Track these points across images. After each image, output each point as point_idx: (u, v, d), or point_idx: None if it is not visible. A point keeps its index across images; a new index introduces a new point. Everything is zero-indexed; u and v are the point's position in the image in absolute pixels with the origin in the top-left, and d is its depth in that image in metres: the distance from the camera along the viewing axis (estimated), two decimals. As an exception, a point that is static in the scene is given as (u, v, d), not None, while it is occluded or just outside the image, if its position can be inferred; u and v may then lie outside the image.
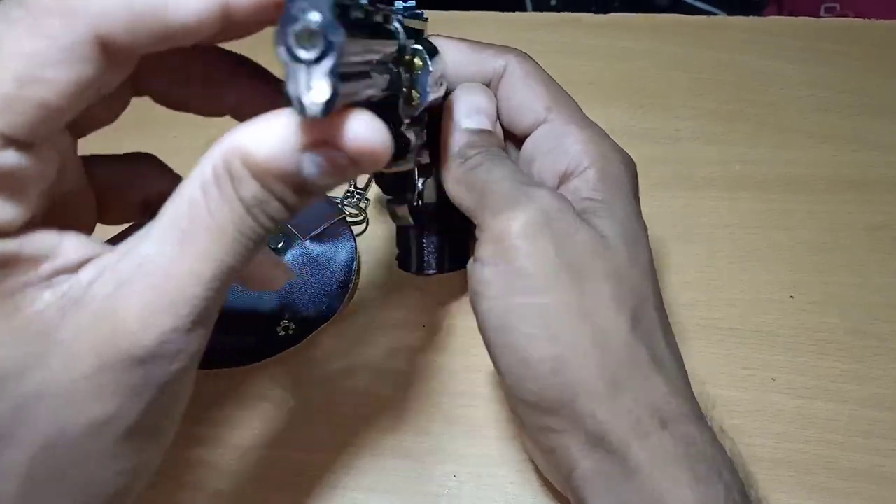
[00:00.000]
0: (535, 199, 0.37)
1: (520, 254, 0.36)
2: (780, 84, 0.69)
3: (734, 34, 0.73)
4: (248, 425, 0.50)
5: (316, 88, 0.24)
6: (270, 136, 0.26)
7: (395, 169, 0.39)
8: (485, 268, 0.38)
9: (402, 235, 0.50)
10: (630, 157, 0.42)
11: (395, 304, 0.56)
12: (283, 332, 0.53)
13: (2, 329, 0.27)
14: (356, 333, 0.54)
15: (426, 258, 0.49)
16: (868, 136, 0.65)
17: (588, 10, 0.75)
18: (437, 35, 0.42)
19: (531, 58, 0.44)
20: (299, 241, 0.56)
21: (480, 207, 0.39)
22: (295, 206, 0.27)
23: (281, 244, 0.55)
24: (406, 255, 0.49)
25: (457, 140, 0.41)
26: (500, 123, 0.44)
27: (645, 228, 0.41)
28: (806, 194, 0.62)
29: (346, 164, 0.26)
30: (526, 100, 0.43)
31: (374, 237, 0.59)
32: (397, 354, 0.53)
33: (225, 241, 0.27)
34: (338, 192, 0.59)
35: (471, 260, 0.40)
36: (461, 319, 0.54)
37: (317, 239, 0.56)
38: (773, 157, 0.64)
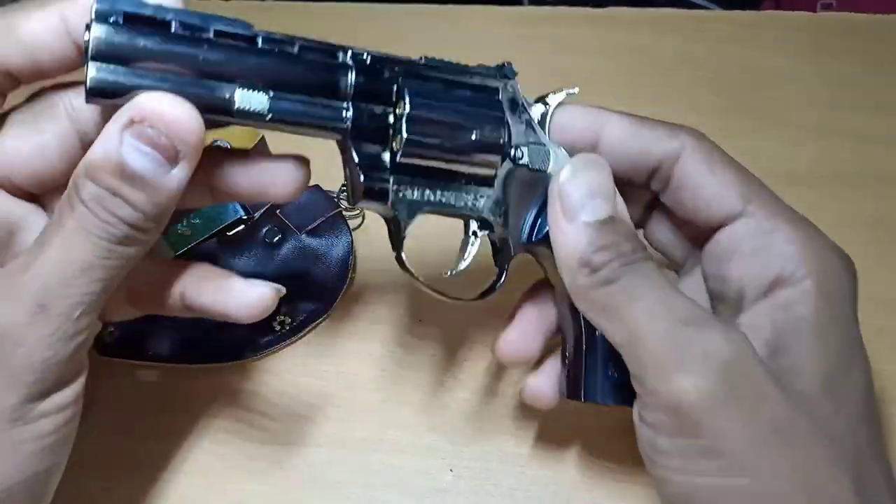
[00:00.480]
0: (710, 355, 0.30)
1: (704, 430, 0.30)
2: (778, 79, 0.68)
3: (733, 29, 0.72)
4: (242, 419, 0.50)
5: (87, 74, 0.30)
6: (98, 139, 0.30)
7: (367, 208, 0.37)
8: (658, 437, 0.32)
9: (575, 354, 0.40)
10: (851, 261, 0.36)
11: (392, 298, 0.55)
12: (279, 328, 0.53)
13: None
14: (353, 327, 0.54)
15: (583, 379, 0.39)
16: (867, 131, 0.64)
17: (585, 5, 0.75)
18: (603, 108, 0.40)
19: (708, 138, 0.39)
20: (295, 235, 0.56)
21: (634, 356, 0.32)
22: (140, 203, 0.30)
23: (277, 238, 0.55)
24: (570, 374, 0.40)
25: (574, 238, 0.34)
26: (677, 214, 0.39)
27: (862, 350, 0.34)
28: (805, 189, 0.61)
29: (160, 140, 0.30)
30: (715, 188, 0.37)
31: (371, 231, 0.59)
32: (394, 348, 0.53)
33: (75, 240, 0.30)
34: (334, 186, 0.59)
35: (636, 412, 0.34)
36: (458, 313, 0.54)
37: (313, 233, 0.56)
38: (771, 152, 0.64)
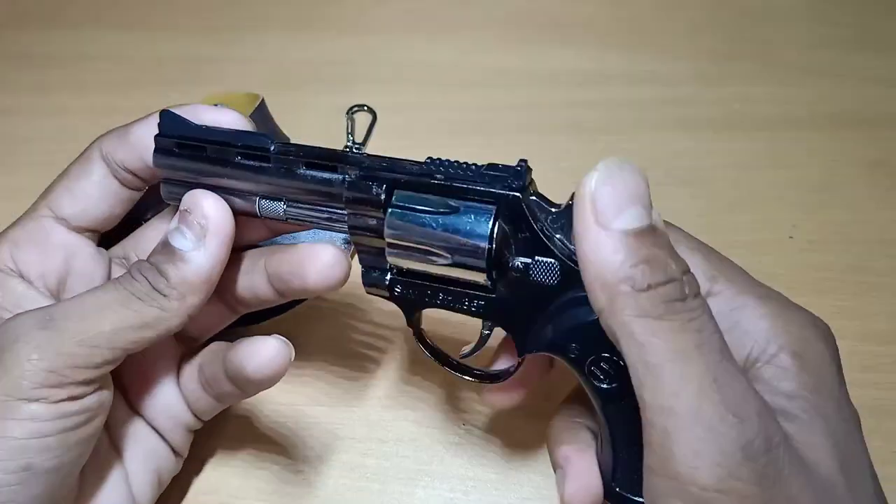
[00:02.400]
0: (751, 457, 0.28)
1: None
2: (777, 21, 0.68)
3: (731, -30, 0.71)
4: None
5: None
6: None
7: (372, 292, 0.39)
8: None
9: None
10: (827, 327, 0.33)
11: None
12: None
13: None
14: (358, 294, 0.55)
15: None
16: (867, 72, 0.64)
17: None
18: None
19: (671, 223, 0.36)
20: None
21: (661, 427, 0.29)
22: (167, 271, 0.36)
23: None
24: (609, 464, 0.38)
25: (610, 248, 0.29)
26: None
27: (857, 418, 0.32)
28: (805, 132, 0.61)
29: (195, 224, 0.36)
30: None
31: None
32: (398, 316, 0.53)
33: (107, 285, 0.36)
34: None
35: (648, 485, 0.30)
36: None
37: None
38: (772, 95, 0.63)
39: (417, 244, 0.36)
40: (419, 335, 0.41)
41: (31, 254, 0.39)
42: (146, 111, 0.63)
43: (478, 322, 0.40)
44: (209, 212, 0.37)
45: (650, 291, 0.29)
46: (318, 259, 0.39)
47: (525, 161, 0.37)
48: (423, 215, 0.37)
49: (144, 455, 0.41)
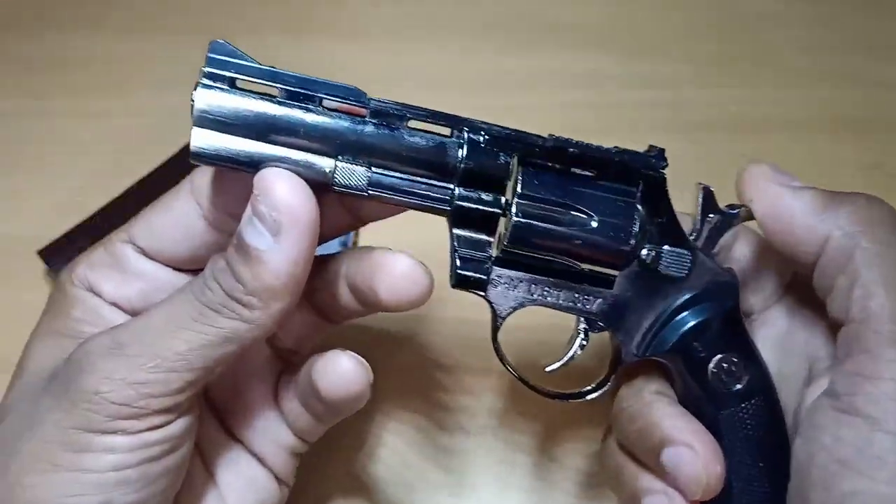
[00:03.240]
0: None
1: None
2: (775, 24, 0.68)
3: (729, -27, 0.71)
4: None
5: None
6: None
7: (463, 287, 0.33)
8: None
9: None
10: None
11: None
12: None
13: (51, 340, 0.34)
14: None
15: None
16: (865, 75, 0.64)
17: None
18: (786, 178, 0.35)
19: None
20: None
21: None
22: (241, 273, 0.30)
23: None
24: None
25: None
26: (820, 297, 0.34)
27: None
28: (802, 135, 0.61)
29: (269, 215, 0.29)
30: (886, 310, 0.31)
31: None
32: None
33: (177, 297, 0.31)
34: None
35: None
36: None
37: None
38: (769, 98, 0.63)
39: (551, 224, 0.32)
40: (496, 348, 0.36)
41: (106, 277, 0.35)
42: (141, 114, 0.64)
43: (560, 328, 0.36)
44: (284, 199, 0.30)
45: None
46: (392, 270, 0.33)
47: (661, 148, 0.34)
48: (560, 190, 0.32)
49: (244, 484, 0.37)
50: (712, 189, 0.35)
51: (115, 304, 0.35)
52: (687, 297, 0.34)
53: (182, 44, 0.66)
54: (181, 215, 0.35)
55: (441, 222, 0.34)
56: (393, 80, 0.65)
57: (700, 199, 0.35)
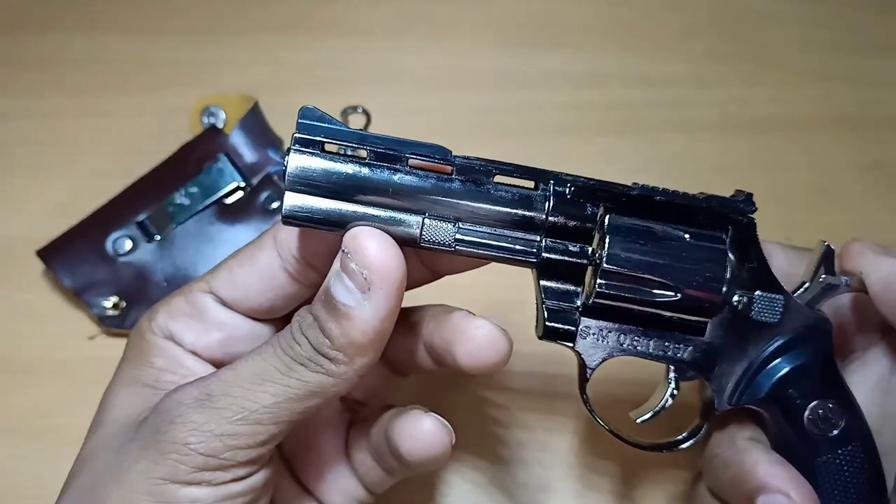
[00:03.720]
0: None
1: None
2: (774, 23, 0.68)
3: (728, -29, 0.71)
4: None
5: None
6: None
7: (550, 338, 0.33)
8: None
9: None
10: None
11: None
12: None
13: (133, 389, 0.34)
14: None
15: None
16: (863, 74, 0.64)
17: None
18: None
19: None
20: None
21: None
22: (330, 330, 0.30)
23: (276, 204, 0.55)
24: None
25: None
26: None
27: None
28: (802, 134, 0.61)
29: (359, 273, 0.30)
30: None
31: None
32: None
33: (265, 350, 0.31)
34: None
35: None
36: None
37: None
38: (768, 97, 0.63)
39: (641, 275, 0.32)
40: (585, 400, 0.35)
41: (187, 327, 0.36)
42: (139, 114, 0.64)
43: (649, 375, 0.35)
44: (375, 257, 0.30)
45: None
46: (472, 338, 0.33)
47: (749, 193, 0.34)
48: (649, 240, 0.32)
49: None
50: (833, 248, 0.36)
51: (194, 353, 0.36)
52: (780, 342, 0.34)
53: (181, 44, 0.66)
54: (264, 267, 0.35)
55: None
56: (392, 79, 0.65)
57: (819, 257, 0.35)
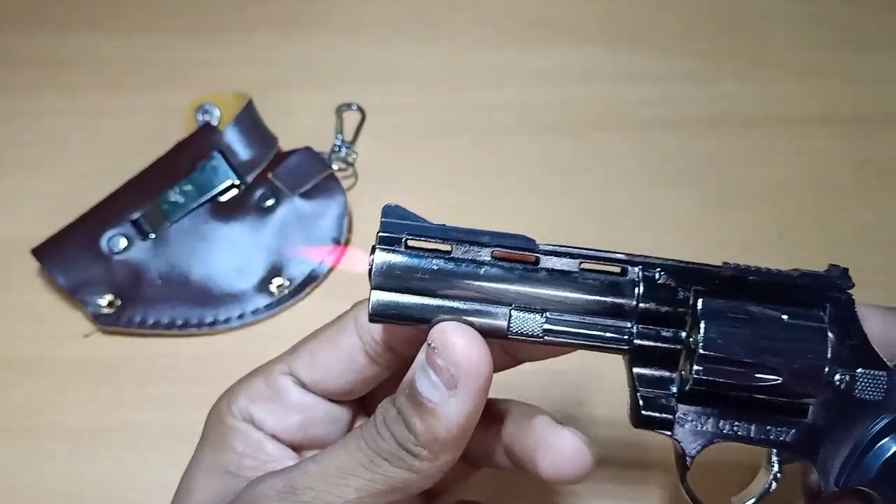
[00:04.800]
0: None
1: None
2: (768, 21, 0.68)
3: (720, -31, 0.71)
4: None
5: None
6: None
7: (647, 427, 0.32)
8: None
9: None
10: None
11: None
12: (277, 291, 0.53)
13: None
14: (350, 289, 0.54)
15: None
16: (856, 71, 0.64)
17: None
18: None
19: None
20: (288, 198, 0.56)
21: None
22: (415, 426, 0.30)
23: (270, 202, 0.55)
24: None
25: None
26: None
27: None
28: (795, 131, 0.62)
29: (445, 370, 0.29)
30: None
31: (364, 192, 0.59)
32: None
33: (350, 443, 0.31)
34: (324, 146, 0.59)
35: None
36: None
37: (306, 195, 0.56)
38: (761, 94, 0.63)
39: (740, 360, 0.31)
40: (687, 488, 0.34)
41: (268, 411, 0.35)
42: (133, 113, 0.64)
43: (748, 457, 0.34)
44: (462, 354, 0.29)
45: None
46: (557, 450, 0.32)
47: (845, 268, 0.33)
48: (746, 322, 0.31)
49: None
50: None
51: (274, 436, 0.36)
52: (887, 420, 0.33)
53: (175, 43, 0.66)
54: (346, 351, 0.35)
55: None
56: (386, 76, 0.65)
57: None
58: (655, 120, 0.62)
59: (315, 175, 0.56)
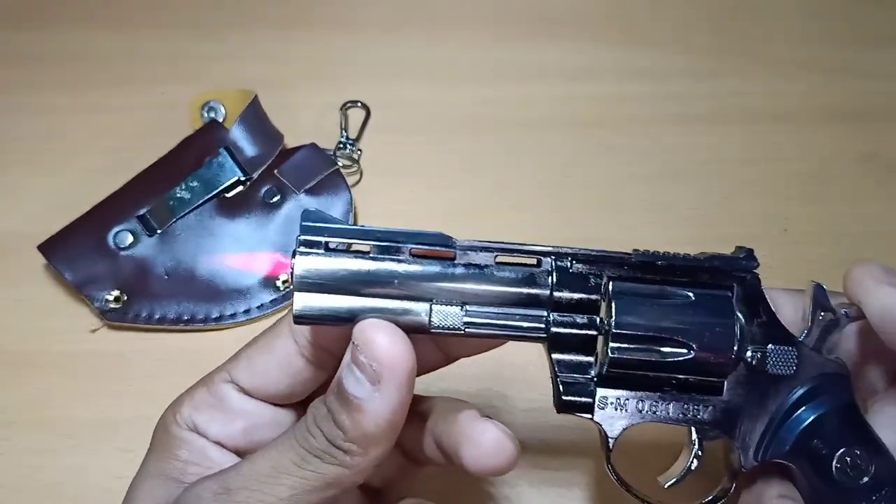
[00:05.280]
0: None
1: None
2: (769, 15, 0.68)
3: (723, -35, 0.72)
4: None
5: None
6: None
7: (568, 411, 0.33)
8: None
9: None
10: None
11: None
12: (283, 287, 0.54)
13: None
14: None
15: None
16: (858, 66, 0.64)
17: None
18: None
19: None
20: (294, 194, 0.56)
21: None
22: (343, 423, 0.31)
23: (276, 198, 0.56)
24: None
25: None
26: None
27: None
28: (798, 125, 0.62)
29: (368, 366, 0.30)
30: None
31: (369, 188, 0.59)
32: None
33: (282, 442, 0.32)
34: (330, 143, 0.59)
35: None
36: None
37: (312, 192, 0.56)
38: (764, 89, 0.64)
39: (651, 334, 0.32)
40: (611, 470, 0.35)
41: (211, 418, 0.36)
42: (138, 110, 0.64)
43: (674, 437, 0.35)
44: (383, 350, 0.30)
45: None
46: (479, 443, 0.33)
47: (750, 249, 0.34)
48: (656, 301, 0.33)
49: None
50: (824, 287, 0.35)
51: (219, 443, 0.36)
52: (799, 393, 0.34)
53: (180, 40, 0.66)
54: (281, 355, 0.36)
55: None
56: (390, 73, 0.65)
57: (811, 298, 0.35)
58: (658, 115, 0.62)
59: (320, 171, 0.57)
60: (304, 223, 0.33)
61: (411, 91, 0.64)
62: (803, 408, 0.34)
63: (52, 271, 0.54)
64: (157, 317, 0.52)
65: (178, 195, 0.54)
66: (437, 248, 0.33)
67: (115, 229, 0.54)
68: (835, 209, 0.57)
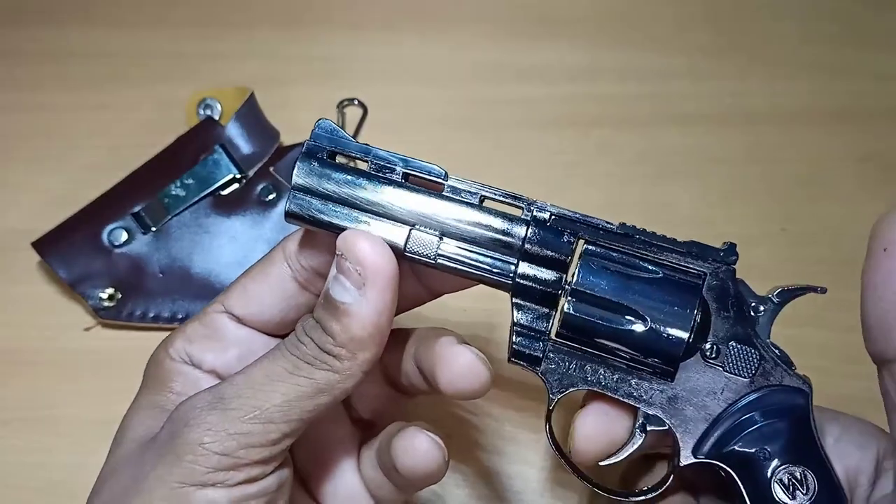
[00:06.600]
0: None
1: None
2: (770, 16, 0.68)
3: (723, -35, 0.71)
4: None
5: None
6: None
7: (517, 362, 0.34)
8: None
9: None
10: None
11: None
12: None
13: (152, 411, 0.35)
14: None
15: None
16: (858, 66, 0.64)
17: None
18: None
19: None
20: (290, 191, 0.55)
21: None
22: (332, 328, 0.32)
23: (272, 196, 0.55)
24: None
25: None
26: None
27: None
28: (797, 126, 0.62)
29: (353, 272, 0.32)
30: None
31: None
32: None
33: (274, 353, 0.33)
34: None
35: None
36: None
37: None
38: (763, 89, 0.63)
39: (609, 299, 0.32)
40: (548, 432, 0.35)
41: (205, 348, 0.37)
42: (135, 107, 0.64)
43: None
44: (366, 256, 0.32)
45: None
46: (452, 364, 0.34)
47: (732, 243, 0.34)
48: (622, 268, 0.33)
49: None
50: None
51: (213, 372, 0.37)
52: (752, 399, 0.33)
53: (177, 37, 0.66)
54: (275, 279, 0.37)
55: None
56: (388, 71, 0.65)
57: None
58: (658, 115, 0.62)
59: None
60: (315, 131, 0.34)
61: (409, 90, 0.64)
62: (752, 414, 0.33)
63: (46, 268, 0.53)
64: (151, 315, 0.52)
65: (174, 193, 0.54)
66: (431, 178, 0.34)
67: (110, 227, 0.53)
68: (834, 210, 0.57)
